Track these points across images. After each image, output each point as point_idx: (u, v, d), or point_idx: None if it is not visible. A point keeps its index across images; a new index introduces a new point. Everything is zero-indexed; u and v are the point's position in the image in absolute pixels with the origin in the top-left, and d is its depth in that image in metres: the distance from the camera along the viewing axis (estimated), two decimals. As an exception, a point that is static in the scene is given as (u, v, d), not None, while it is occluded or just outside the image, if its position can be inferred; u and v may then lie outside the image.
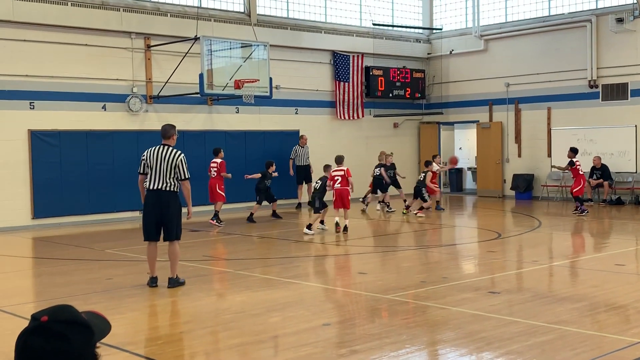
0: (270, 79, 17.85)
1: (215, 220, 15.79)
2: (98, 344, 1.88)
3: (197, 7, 18.67)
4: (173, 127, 9.29)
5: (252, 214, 16.50)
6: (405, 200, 18.76)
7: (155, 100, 18.05)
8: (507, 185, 22.64)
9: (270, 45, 18.25)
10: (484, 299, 8.10)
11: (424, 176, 17.74)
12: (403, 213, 17.67)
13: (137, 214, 16.81)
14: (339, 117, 22.12)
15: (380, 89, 22.90)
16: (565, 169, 17.68)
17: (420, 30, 24.48)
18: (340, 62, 22.03)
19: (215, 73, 17.02)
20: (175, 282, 9.02)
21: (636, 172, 19.81)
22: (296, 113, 21.09)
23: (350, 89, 22.29)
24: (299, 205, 19.89)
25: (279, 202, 17.52)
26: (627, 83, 19.96)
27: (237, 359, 6.18)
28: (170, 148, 9.03)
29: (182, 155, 9.03)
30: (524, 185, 21.84)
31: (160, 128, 9.41)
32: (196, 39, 17.00)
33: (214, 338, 6.90)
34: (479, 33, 22.98)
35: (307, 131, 20.55)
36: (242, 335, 6.70)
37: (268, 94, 17.92)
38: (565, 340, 6.25)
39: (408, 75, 23.55)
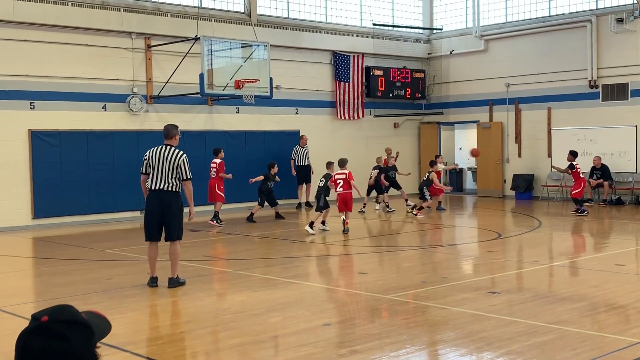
0: (271, 79, 17.85)
1: (215, 221, 15.80)
2: (98, 344, 1.88)
3: (198, 7, 18.67)
4: (175, 127, 9.28)
5: (252, 214, 16.51)
6: (406, 200, 18.81)
7: (155, 100, 18.05)
8: (507, 185, 22.64)
9: (271, 45, 18.26)
10: (484, 299, 8.10)
11: (428, 176, 17.73)
12: (408, 212, 17.62)
13: (138, 214, 16.84)
14: (339, 117, 22.12)
15: (380, 89, 22.91)
16: (565, 171, 17.68)
17: (421, 31, 24.48)
18: (340, 62, 22.03)
19: (216, 73, 17.02)
20: (175, 282, 9.02)
21: (636, 172, 19.81)
22: (296, 113, 21.09)
23: (351, 89, 22.29)
24: (299, 205, 19.89)
25: (279, 202, 17.49)
26: (627, 83, 19.96)
27: (237, 359, 6.19)
28: (173, 148, 9.03)
29: (185, 155, 9.03)
30: (524, 186, 21.84)
31: (160, 128, 9.42)
32: (196, 39, 17.01)
33: (214, 338, 6.90)
34: (479, 33, 22.98)
35: (308, 131, 20.55)
36: (242, 335, 6.70)
37: (268, 94, 17.93)
38: (565, 340, 6.25)
39: (408, 76, 23.56)
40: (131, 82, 17.80)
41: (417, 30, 24.39)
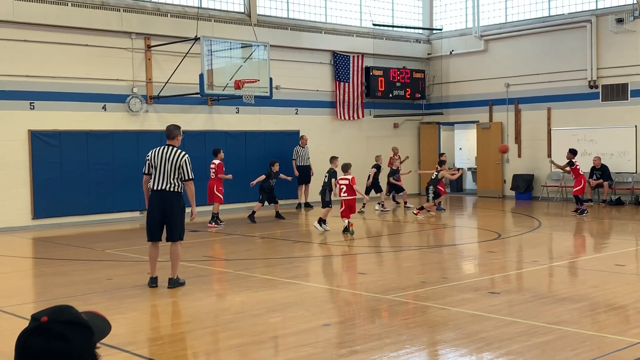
0: (271, 79, 17.85)
1: (213, 223, 15.79)
2: (98, 345, 1.88)
3: (198, 8, 18.66)
4: (178, 127, 9.28)
5: (253, 212, 16.54)
6: (405, 202, 18.91)
7: (155, 100, 18.05)
8: (507, 185, 22.64)
9: (271, 46, 18.25)
10: (484, 299, 8.10)
11: (437, 174, 17.66)
12: (427, 211, 17.58)
13: (138, 214, 16.84)
14: (339, 118, 22.12)
15: (380, 89, 22.90)
16: (564, 168, 17.65)
17: (421, 31, 24.49)
18: (340, 63, 22.03)
19: (216, 73, 17.02)
20: (175, 283, 9.02)
21: (636, 173, 19.81)
22: (296, 113, 21.09)
23: (351, 89, 22.29)
24: (299, 205, 19.90)
25: (279, 202, 17.51)
26: (627, 83, 19.96)
27: (237, 359, 6.18)
28: (175, 148, 9.02)
29: (187, 155, 9.02)
30: (524, 186, 21.84)
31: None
32: (196, 39, 17.00)
33: (214, 338, 6.90)
34: (479, 33, 22.98)
35: (307, 131, 20.56)
36: (242, 336, 6.70)
37: (268, 94, 17.92)
38: (565, 341, 6.25)
39: (408, 76, 23.56)
40: (131, 83, 17.79)
41: (417, 31, 24.39)
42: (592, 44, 20.42)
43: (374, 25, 22.62)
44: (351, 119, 22.35)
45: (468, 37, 23.35)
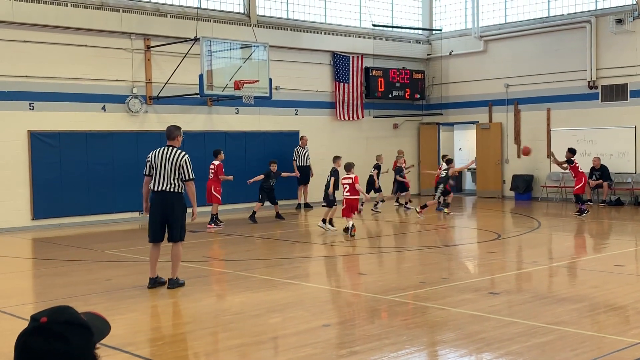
0: (270, 79, 17.85)
1: (212, 224, 15.79)
2: (98, 345, 1.88)
3: (197, 8, 18.66)
4: (178, 128, 9.28)
5: (254, 212, 16.55)
6: (406, 202, 18.97)
7: (155, 101, 18.04)
8: (506, 186, 22.64)
9: (270, 46, 18.25)
10: (484, 299, 8.10)
11: (447, 172, 17.72)
12: (445, 213, 17.56)
13: (137, 215, 16.84)
14: (338, 118, 22.12)
15: (380, 89, 22.91)
16: (563, 164, 17.54)
17: (420, 31, 24.49)
18: (340, 63, 22.03)
19: (215, 74, 17.02)
20: (175, 283, 9.02)
21: (635, 173, 19.82)
22: (296, 114, 21.09)
23: (350, 90, 22.29)
24: (299, 205, 19.90)
25: (279, 202, 17.50)
26: (627, 84, 19.96)
27: (237, 360, 6.19)
28: (175, 149, 9.03)
29: (187, 156, 9.02)
30: (524, 186, 21.85)
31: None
32: (196, 39, 17.00)
33: (214, 339, 6.90)
34: (479, 34, 22.98)
35: (307, 132, 20.56)
36: (242, 336, 6.70)
37: (268, 94, 17.92)
38: (565, 341, 6.25)
39: (408, 76, 23.56)
40: (130, 83, 17.79)
41: (416, 31, 24.39)
42: (591, 45, 20.43)
43: (374, 25, 22.62)
44: (351, 119, 22.35)
45: (468, 38, 23.35)
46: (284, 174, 17.35)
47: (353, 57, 22.28)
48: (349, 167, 14.42)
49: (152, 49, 18.05)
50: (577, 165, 17.28)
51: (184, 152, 9.02)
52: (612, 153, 20.08)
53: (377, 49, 22.78)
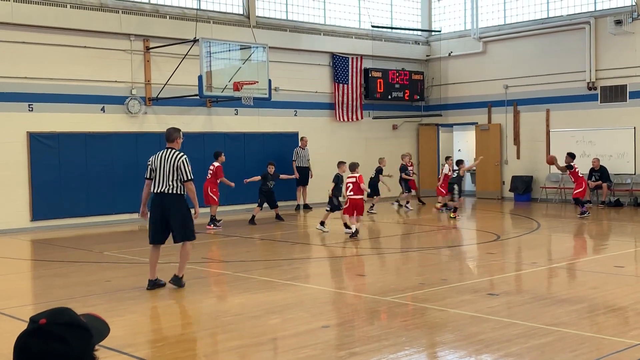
0: (269, 80, 17.84)
1: (212, 225, 15.79)
2: (97, 347, 1.88)
3: (196, 9, 18.67)
4: (178, 130, 9.28)
5: (253, 217, 16.53)
6: (407, 202, 19.04)
7: (154, 102, 18.04)
8: (506, 187, 22.64)
9: (269, 47, 18.24)
10: (483, 300, 8.09)
11: (458, 173, 17.80)
12: (452, 217, 17.40)
13: (136, 216, 16.80)
14: (338, 119, 22.12)
15: (379, 90, 22.91)
16: (562, 169, 17.57)
17: (419, 33, 24.50)
18: (339, 64, 22.04)
19: (214, 75, 17.01)
20: (177, 281, 9.01)
21: (635, 174, 19.82)
22: (295, 115, 21.09)
23: (349, 91, 22.29)
24: (298, 207, 19.90)
25: (278, 204, 17.48)
26: (626, 85, 19.97)
27: (236, 361, 6.18)
28: (174, 150, 9.03)
29: (185, 156, 9.02)
30: (523, 187, 21.85)
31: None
32: (195, 40, 16.99)
33: (214, 340, 6.90)
34: (478, 35, 22.98)
35: (306, 133, 20.56)
36: (241, 338, 6.69)
37: (267, 95, 17.91)
38: (564, 342, 6.25)
39: (407, 77, 23.56)
40: (130, 84, 17.79)
41: (415, 32, 24.40)
42: (590, 46, 20.43)
43: (373, 27, 22.63)
44: (350, 120, 22.35)
45: (467, 39, 23.36)
46: (282, 177, 17.32)
47: (352, 58, 22.28)
48: (353, 167, 14.34)
49: (151, 50, 18.04)
50: (576, 170, 17.26)
51: (182, 153, 9.02)
52: (612, 154, 20.09)
53: (376, 50, 22.79)
